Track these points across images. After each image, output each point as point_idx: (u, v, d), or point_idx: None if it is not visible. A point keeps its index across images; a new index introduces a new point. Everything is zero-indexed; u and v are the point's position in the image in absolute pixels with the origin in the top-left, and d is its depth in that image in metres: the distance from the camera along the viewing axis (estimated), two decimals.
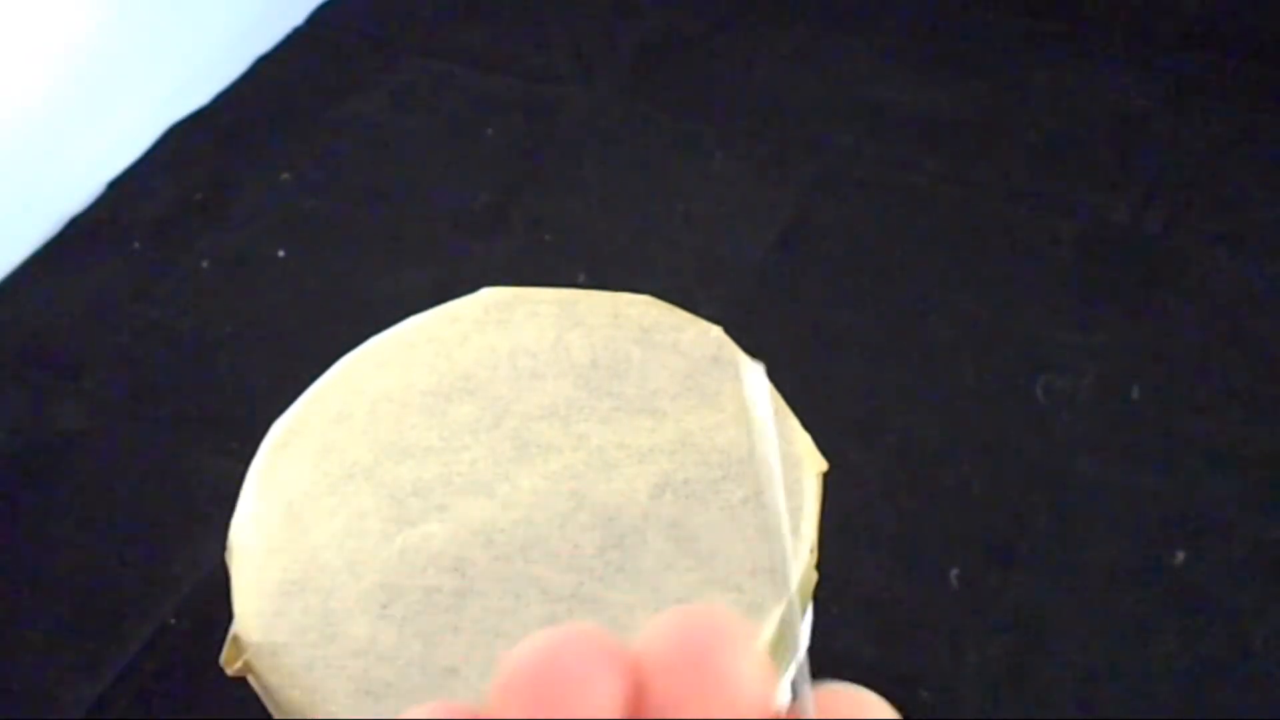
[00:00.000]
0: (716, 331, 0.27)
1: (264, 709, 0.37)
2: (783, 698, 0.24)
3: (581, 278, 0.49)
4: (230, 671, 0.23)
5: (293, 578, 0.22)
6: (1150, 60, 0.57)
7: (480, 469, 0.24)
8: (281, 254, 0.52)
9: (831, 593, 0.39)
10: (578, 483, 0.24)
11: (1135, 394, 0.44)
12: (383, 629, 0.22)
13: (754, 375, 0.23)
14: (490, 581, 0.22)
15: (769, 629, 0.21)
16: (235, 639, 0.22)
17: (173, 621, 0.39)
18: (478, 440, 0.25)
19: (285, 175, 0.55)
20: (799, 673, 0.22)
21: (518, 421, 0.25)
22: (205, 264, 0.51)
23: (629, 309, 0.27)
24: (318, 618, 0.22)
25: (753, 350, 0.46)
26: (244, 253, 0.52)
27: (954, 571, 0.39)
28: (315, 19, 0.64)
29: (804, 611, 0.23)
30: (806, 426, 0.43)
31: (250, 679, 0.23)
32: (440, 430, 0.25)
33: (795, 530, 0.23)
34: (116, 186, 0.56)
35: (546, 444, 0.25)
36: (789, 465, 0.24)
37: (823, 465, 0.24)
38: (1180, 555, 0.39)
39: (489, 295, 0.28)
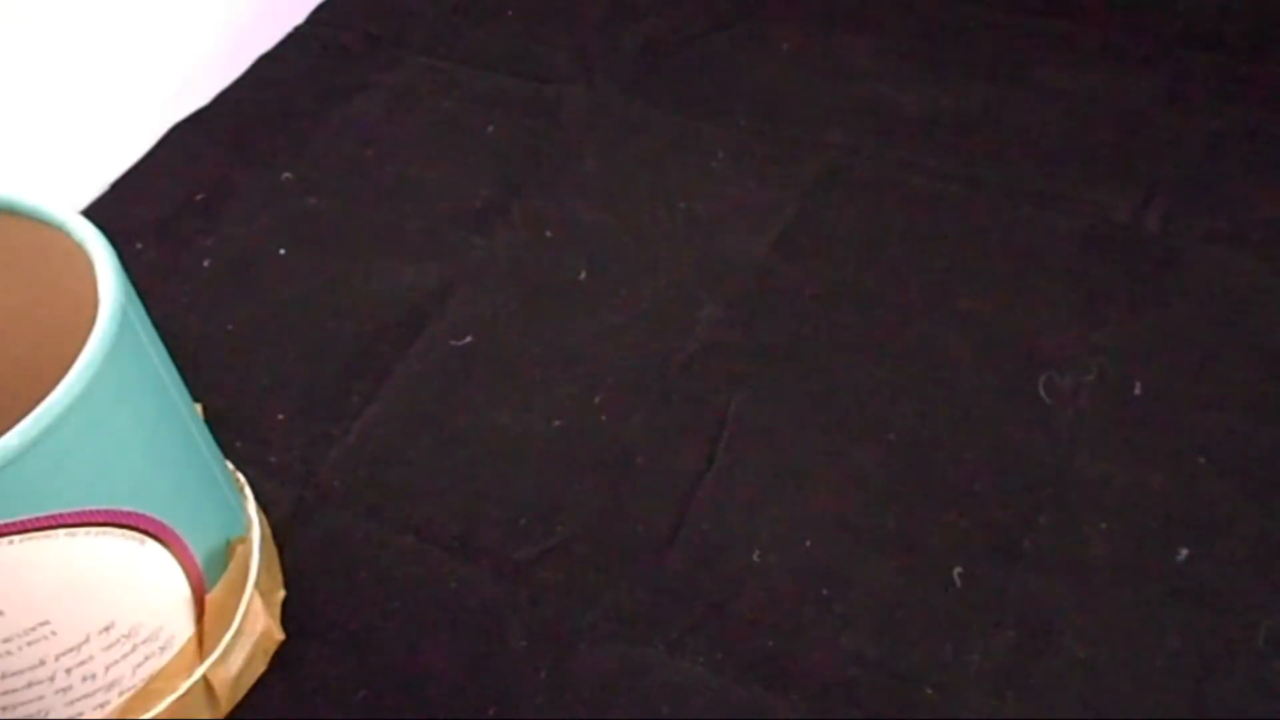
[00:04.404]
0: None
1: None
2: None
3: (583, 274, 0.49)
4: None
5: None
6: (1150, 60, 0.57)
7: None
8: (283, 253, 0.52)
9: (835, 591, 0.39)
10: None
11: (1138, 391, 0.44)
12: None
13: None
14: None
15: None
16: None
17: None
18: None
19: (287, 174, 0.55)
20: None
21: None
22: (207, 263, 0.51)
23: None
24: None
25: (755, 348, 0.46)
26: (245, 252, 0.52)
27: (957, 569, 0.39)
28: (316, 18, 0.64)
29: None
30: (808, 424, 0.43)
31: None
32: None
33: None
34: (118, 187, 0.56)
35: None
36: None
37: None
38: (1184, 552, 0.39)
39: None
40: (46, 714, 0.32)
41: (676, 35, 0.61)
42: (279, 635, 0.38)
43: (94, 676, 0.32)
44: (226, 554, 0.35)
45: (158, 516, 0.31)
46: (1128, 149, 0.53)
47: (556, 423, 0.44)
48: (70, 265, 0.30)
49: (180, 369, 0.33)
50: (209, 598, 0.34)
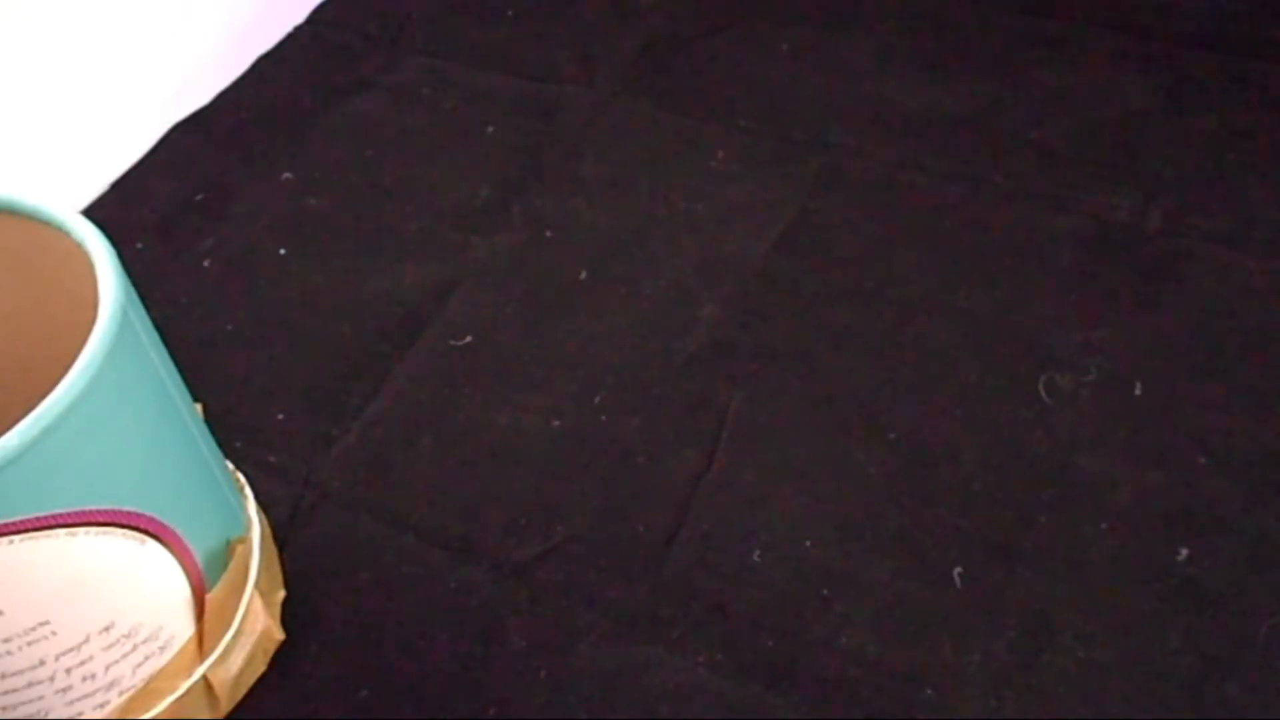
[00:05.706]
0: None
1: None
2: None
3: (583, 274, 0.49)
4: None
5: None
6: (1150, 60, 0.57)
7: None
8: (283, 252, 0.52)
9: (835, 591, 0.39)
10: None
11: (1138, 390, 0.44)
12: None
13: None
14: None
15: None
16: None
17: None
18: None
19: (287, 174, 0.55)
20: None
21: None
22: (207, 263, 0.51)
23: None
24: None
25: (755, 348, 0.46)
26: (246, 252, 0.52)
27: (957, 569, 0.39)
28: (316, 18, 0.64)
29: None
30: (808, 424, 0.43)
31: None
32: None
33: None
34: (118, 187, 0.56)
35: None
36: None
37: None
38: (1184, 552, 0.39)
39: None
40: (46, 714, 0.32)
41: (676, 35, 0.61)
42: (279, 635, 0.38)
43: (94, 676, 0.32)
44: (226, 554, 0.35)
45: (158, 516, 0.31)
46: (1128, 149, 0.53)
47: (556, 423, 0.44)
48: (70, 265, 0.30)
49: (180, 369, 0.33)
50: (209, 598, 0.34)
